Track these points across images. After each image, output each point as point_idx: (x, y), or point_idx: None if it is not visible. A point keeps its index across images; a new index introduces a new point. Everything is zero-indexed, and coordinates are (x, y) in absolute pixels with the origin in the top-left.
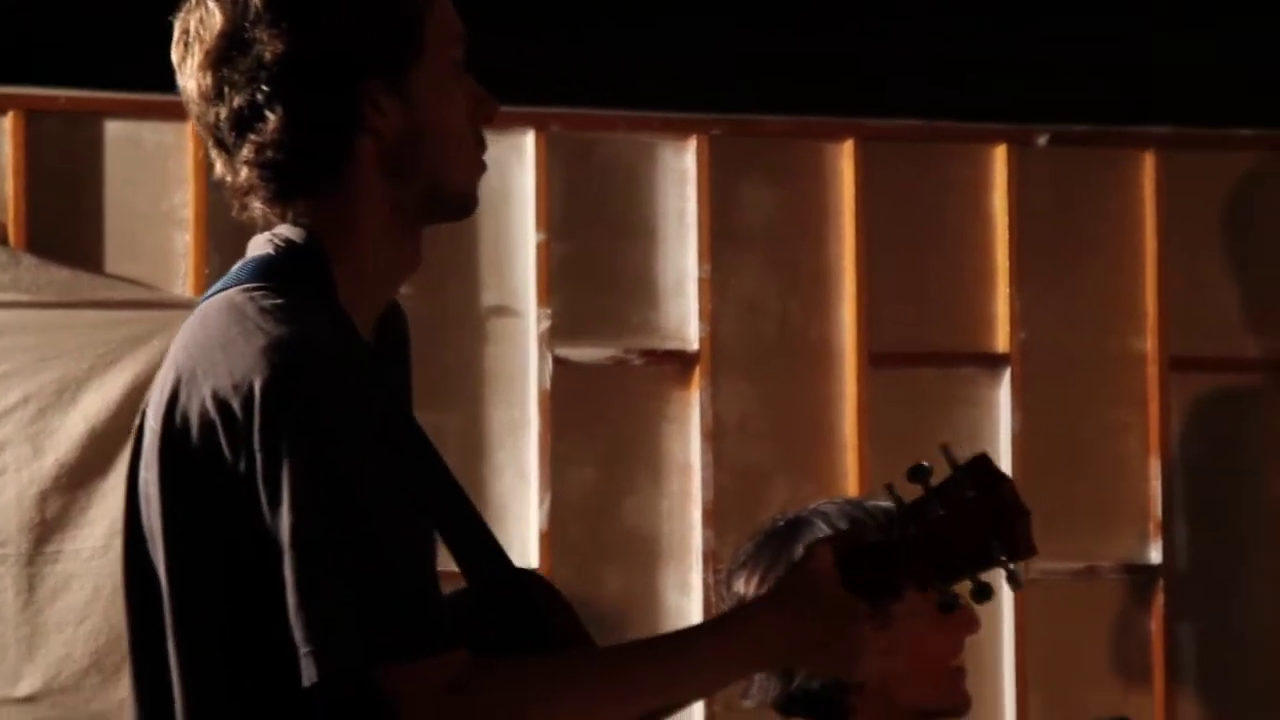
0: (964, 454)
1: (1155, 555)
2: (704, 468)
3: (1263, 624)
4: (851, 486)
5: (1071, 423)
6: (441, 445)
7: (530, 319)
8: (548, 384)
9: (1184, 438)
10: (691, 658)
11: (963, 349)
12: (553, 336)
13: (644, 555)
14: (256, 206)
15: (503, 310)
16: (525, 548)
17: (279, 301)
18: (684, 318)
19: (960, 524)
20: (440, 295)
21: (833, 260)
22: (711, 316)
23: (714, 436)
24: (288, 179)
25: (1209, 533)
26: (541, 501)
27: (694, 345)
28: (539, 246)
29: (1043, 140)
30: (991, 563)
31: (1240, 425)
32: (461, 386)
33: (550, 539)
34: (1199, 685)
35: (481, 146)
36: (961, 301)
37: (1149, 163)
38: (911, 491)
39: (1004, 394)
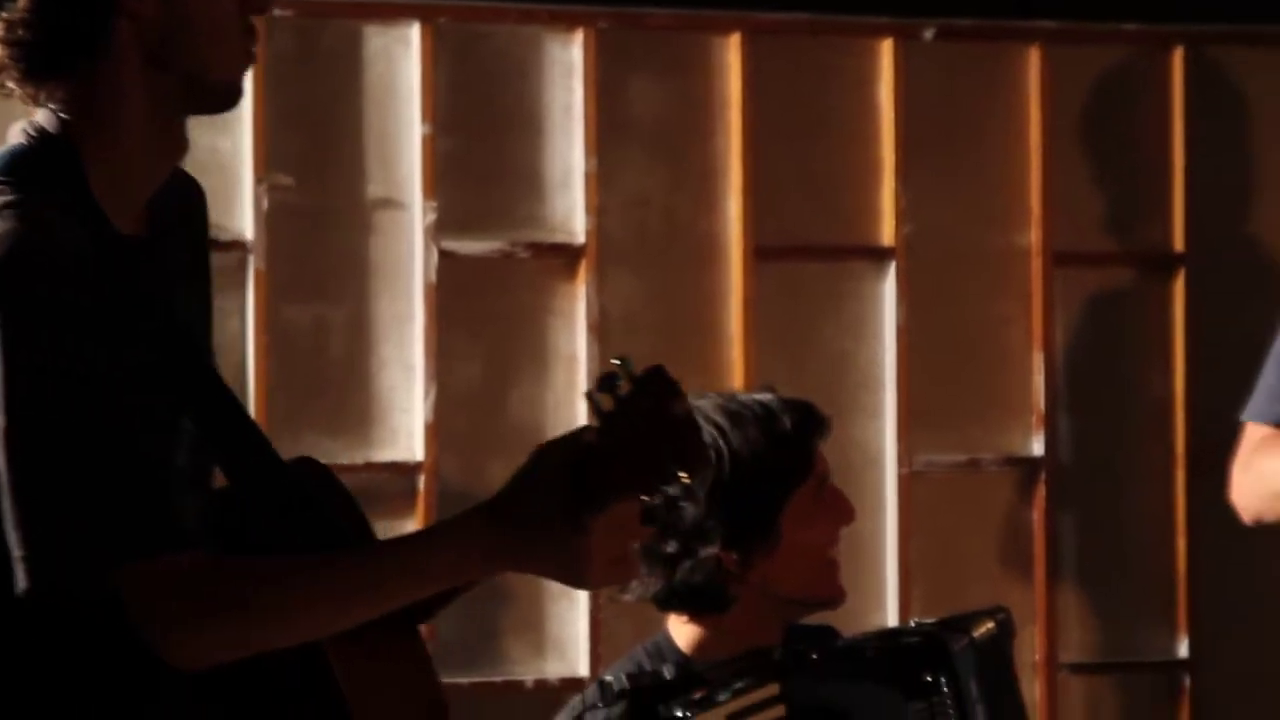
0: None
1: (1037, 448)
2: (589, 361)
3: (1141, 516)
4: (737, 380)
5: (956, 316)
6: (326, 338)
7: (416, 212)
8: (433, 277)
9: (1067, 332)
10: (400, 565)
11: (848, 243)
12: (438, 229)
13: (529, 447)
14: (10, 86)
15: (388, 203)
16: (411, 440)
17: (10, 199)
18: (570, 211)
19: (641, 436)
20: (325, 187)
21: (719, 154)
22: (598, 210)
23: (599, 330)
24: (38, 58)
25: (1091, 425)
26: (427, 394)
27: (580, 239)
28: (425, 139)
29: (929, 34)
30: (669, 476)
31: (1123, 319)
32: (347, 279)
33: (436, 431)
34: (1079, 576)
35: (250, 37)
36: (847, 195)
37: (1034, 57)
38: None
39: (889, 288)
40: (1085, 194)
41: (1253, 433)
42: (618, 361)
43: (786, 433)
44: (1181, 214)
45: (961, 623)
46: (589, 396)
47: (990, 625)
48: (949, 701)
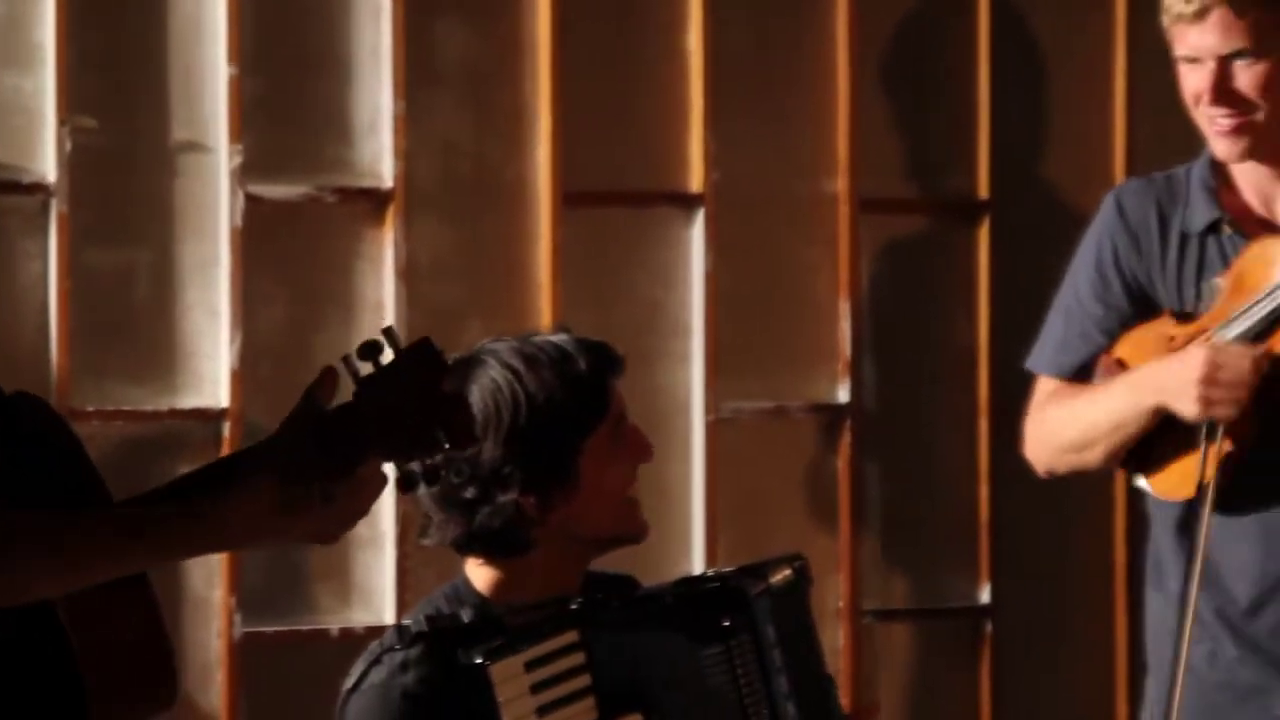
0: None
1: (843, 395)
2: (397, 307)
3: (945, 463)
4: (545, 327)
5: (763, 263)
6: (130, 283)
7: (221, 155)
8: (239, 221)
9: (873, 279)
10: (137, 533)
11: (657, 189)
12: (244, 173)
13: (336, 394)
14: None
15: (193, 145)
16: (217, 386)
17: None
18: (378, 155)
19: (403, 406)
20: (128, 128)
21: (528, 99)
22: (406, 154)
23: (407, 276)
24: None
25: (896, 373)
26: (233, 340)
27: (388, 183)
28: (230, 80)
29: None
30: (435, 448)
31: (929, 267)
32: (150, 223)
33: (241, 377)
34: (883, 523)
35: None
36: (656, 141)
37: (841, 4)
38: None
39: (697, 234)
40: (891, 141)
41: (1044, 385)
42: (384, 331)
43: (581, 374)
44: (986, 161)
45: (760, 570)
46: (345, 360)
47: (788, 572)
48: (747, 645)
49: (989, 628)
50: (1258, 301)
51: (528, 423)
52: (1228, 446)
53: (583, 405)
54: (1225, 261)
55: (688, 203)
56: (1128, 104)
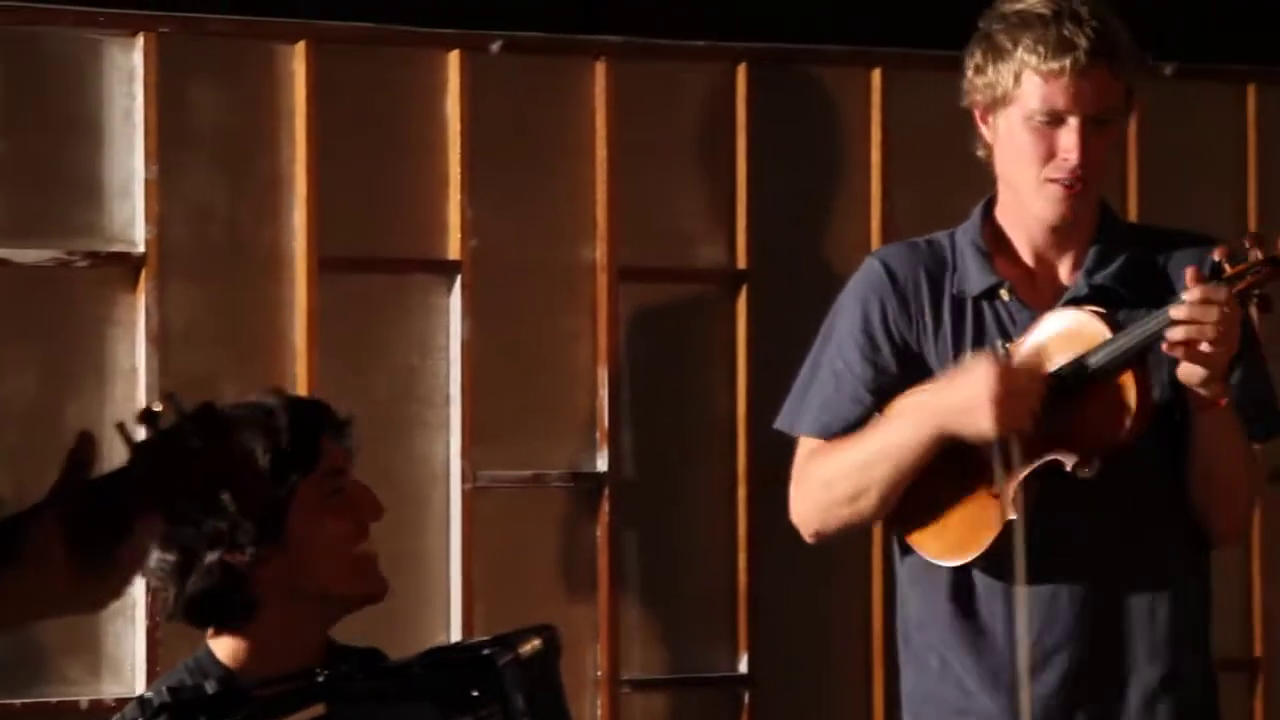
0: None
1: (602, 464)
2: (149, 373)
3: (705, 534)
4: (301, 393)
5: (522, 331)
6: None
7: None
8: None
9: (632, 348)
10: None
11: (414, 255)
12: None
13: (100, 459)
14: None
15: None
16: None
17: None
18: (130, 219)
19: (185, 471)
20: None
21: (284, 164)
22: (159, 219)
23: (160, 341)
24: None
25: (655, 442)
26: None
27: (140, 248)
28: None
29: (495, 47)
30: (222, 513)
31: (688, 336)
32: None
33: None
34: (642, 593)
35: None
36: (414, 208)
37: (600, 72)
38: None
39: (455, 301)
40: (651, 210)
41: (805, 446)
42: (166, 396)
43: (281, 429)
44: (745, 231)
45: (509, 640)
46: (119, 427)
47: (537, 642)
48: (496, 715)
49: (747, 697)
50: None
51: None
52: (1010, 514)
53: (283, 459)
54: (1003, 326)
55: (445, 270)
56: (883, 174)
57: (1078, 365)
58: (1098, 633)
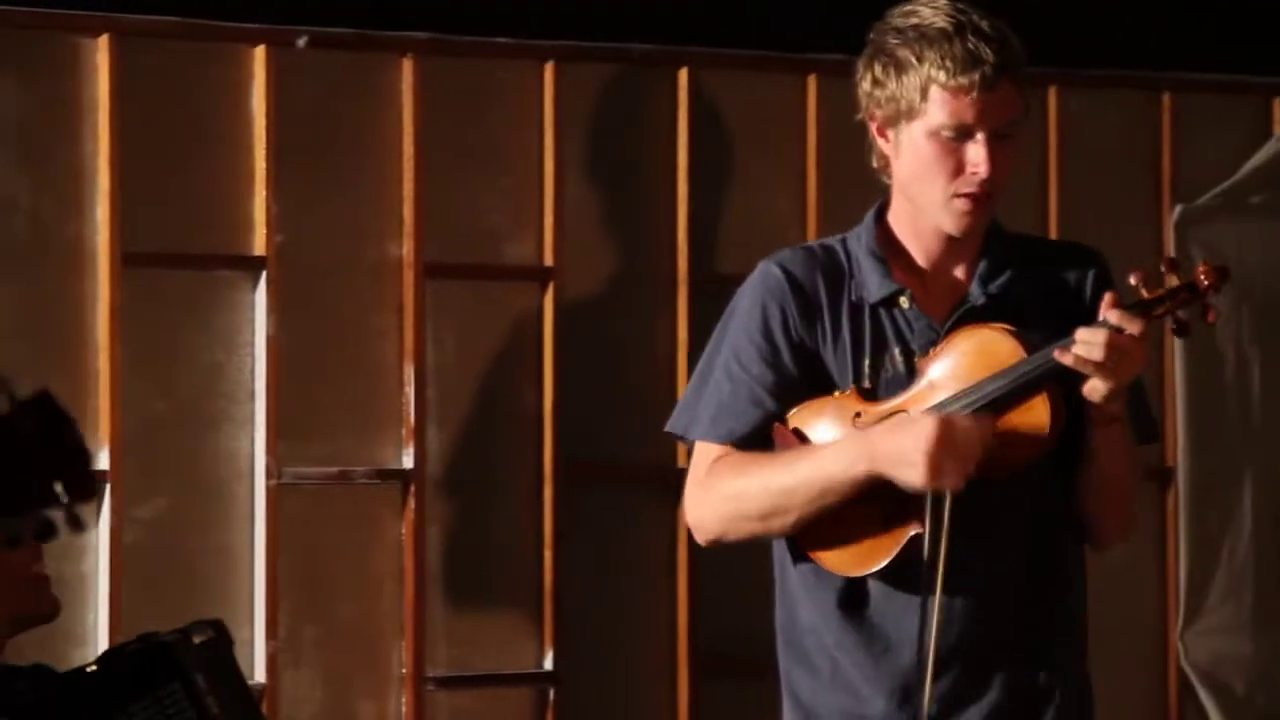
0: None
1: (408, 460)
2: None
3: (511, 531)
4: (104, 389)
5: (328, 327)
6: None
7: None
8: None
9: (438, 345)
10: None
11: (219, 251)
12: None
13: None
14: None
15: None
16: None
17: None
18: None
19: (18, 461)
20: None
21: (88, 158)
22: None
23: None
24: None
25: (462, 439)
26: None
27: None
28: None
29: (302, 42)
30: (53, 503)
31: (495, 333)
32: None
33: None
34: (447, 590)
35: None
36: (219, 203)
37: (407, 68)
38: None
39: (260, 297)
40: (458, 207)
41: (708, 451)
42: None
43: None
44: (552, 228)
45: (180, 630)
46: None
47: (210, 633)
48: (179, 694)
49: (553, 694)
50: (971, 392)
51: None
52: (915, 528)
53: None
54: (901, 334)
55: (251, 266)
56: (690, 174)
57: (992, 381)
58: (992, 637)
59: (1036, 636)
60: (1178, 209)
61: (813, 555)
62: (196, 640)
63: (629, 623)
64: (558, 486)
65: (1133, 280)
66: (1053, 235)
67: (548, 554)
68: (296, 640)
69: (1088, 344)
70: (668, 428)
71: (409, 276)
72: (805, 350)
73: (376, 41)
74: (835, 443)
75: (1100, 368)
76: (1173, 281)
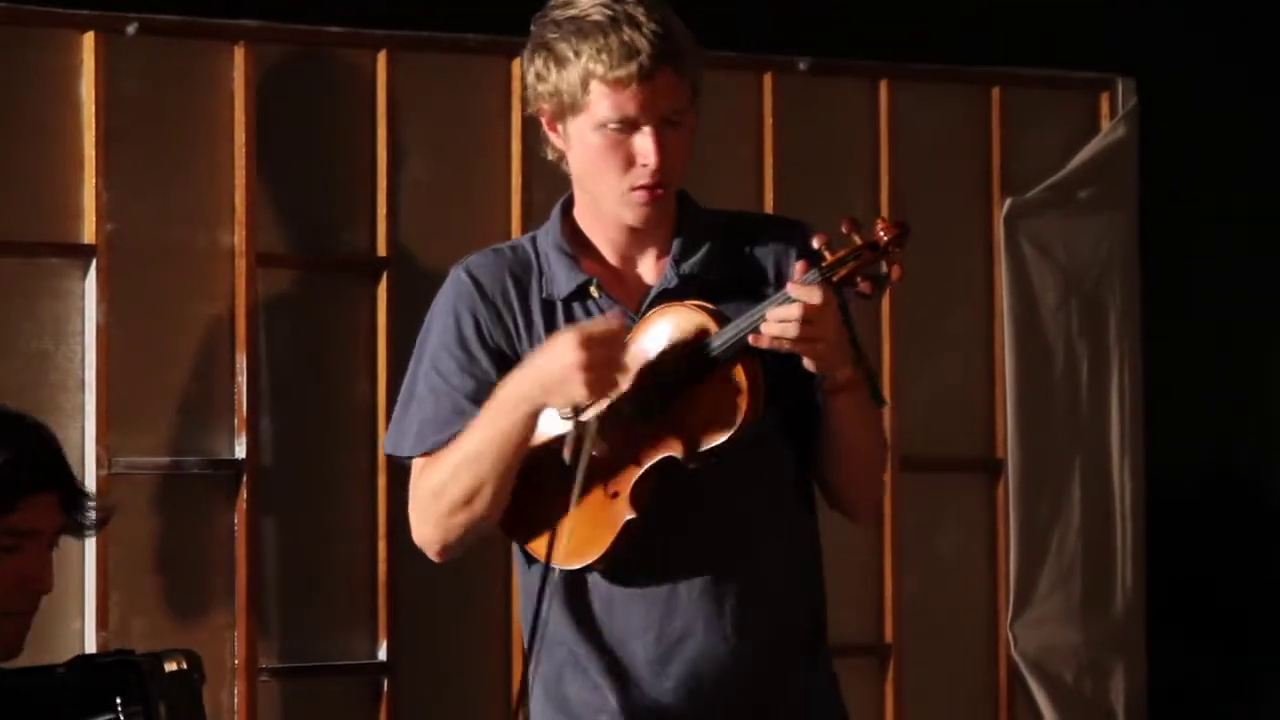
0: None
1: (240, 451)
2: None
3: (345, 521)
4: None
5: (159, 316)
6: None
7: None
8: None
9: (271, 334)
10: None
11: (47, 239)
12: None
13: None
14: None
15: None
16: None
17: None
18: None
19: None
20: None
21: None
22: None
23: None
24: None
25: (295, 429)
26: None
27: None
28: None
29: (131, 29)
30: None
31: (328, 323)
32: None
33: None
34: (281, 581)
35: None
36: (47, 191)
37: (239, 56)
38: None
39: (90, 286)
40: (291, 196)
41: (416, 467)
42: None
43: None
44: (385, 219)
45: (154, 656)
46: None
47: (183, 662)
48: (138, 717)
49: (386, 685)
50: (665, 372)
51: None
52: (629, 513)
53: None
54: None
55: (80, 254)
56: (523, 164)
57: (687, 358)
58: (719, 621)
59: (772, 617)
60: (1007, 202)
61: (534, 551)
62: (168, 667)
63: (463, 612)
64: (391, 476)
65: (815, 243)
66: None
67: (381, 544)
68: (126, 631)
69: (780, 322)
70: (385, 449)
71: (241, 265)
72: (502, 354)
73: (208, 29)
74: (492, 401)
75: (797, 344)
76: (855, 242)
